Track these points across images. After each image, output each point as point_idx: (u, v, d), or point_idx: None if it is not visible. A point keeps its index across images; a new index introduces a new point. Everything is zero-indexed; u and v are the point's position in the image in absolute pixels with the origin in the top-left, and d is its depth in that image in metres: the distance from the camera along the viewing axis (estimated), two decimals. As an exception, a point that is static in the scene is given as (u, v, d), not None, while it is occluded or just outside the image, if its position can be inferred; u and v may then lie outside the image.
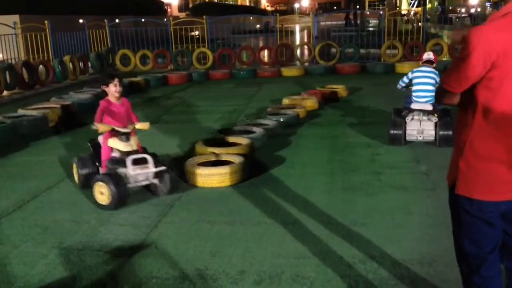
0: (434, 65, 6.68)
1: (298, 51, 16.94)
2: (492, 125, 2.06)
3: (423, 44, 15.85)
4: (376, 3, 70.59)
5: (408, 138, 6.39)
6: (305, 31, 29.16)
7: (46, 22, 15.64)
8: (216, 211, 4.53)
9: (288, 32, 20.53)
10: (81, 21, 18.15)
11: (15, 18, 17.01)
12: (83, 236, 4.09)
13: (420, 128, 6.31)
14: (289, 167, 5.78)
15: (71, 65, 14.49)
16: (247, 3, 74.91)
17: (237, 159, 5.34)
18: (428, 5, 39.85)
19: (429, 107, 6.30)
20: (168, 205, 4.69)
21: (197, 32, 19.12)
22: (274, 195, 4.84)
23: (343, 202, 4.63)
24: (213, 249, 3.76)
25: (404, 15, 32.02)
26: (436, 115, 6.24)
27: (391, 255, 3.52)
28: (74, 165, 5.25)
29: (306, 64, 16.20)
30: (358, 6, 53.48)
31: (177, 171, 5.22)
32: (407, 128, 6.36)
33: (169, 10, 50.85)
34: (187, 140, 6.98)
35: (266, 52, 17.24)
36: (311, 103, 9.00)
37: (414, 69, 6.69)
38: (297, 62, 16.59)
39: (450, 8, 39.80)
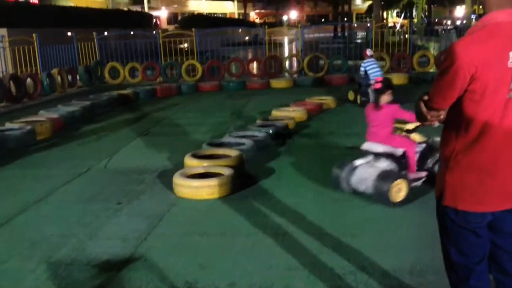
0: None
1: (287, 63, 17.05)
2: (476, 137, 2.08)
3: (410, 55, 16.03)
4: (364, 15, 71.43)
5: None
6: (294, 43, 29.36)
7: (34, 35, 15.60)
8: (205, 223, 4.51)
9: (277, 44, 20.66)
10: (69, 34, 18.13)
11: (3, 31, 16.97)
12: (71, 250, 4.04)
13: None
14: (278, 178, 5.79)
15: (59, 78, 14.45)
16: (236, 16, 75.30)
17: (226, 171, 5.33)
18: (415, 20, 40.36)
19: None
20: (157, 218, 4.66)
21: (186, 45, 19.19)
22: (263, 207, 4.83)
23: (333, 213, 4.64)
24: (202, 261, 3.74)
25: (391, 27, 32.38)
26: None
27: (381, 266, 3.53)
28: None
29: (295, 76, 16.30)
30: (346, 19, 54.02)
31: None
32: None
33: (158, 22, 50.97)
34: (176, 153, 6.97)
35: (255, 64, 17.33)
36: (300, 114, 9.04)
37: (365, 61, 10.08)
38: (286, 74, 16.68)
39: (436, 20, 40.31)
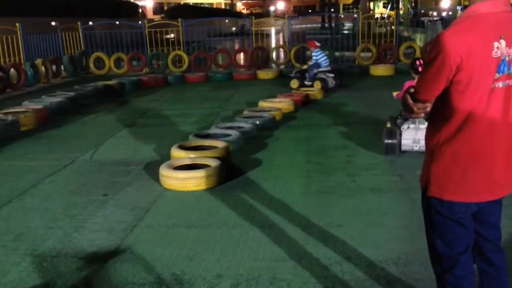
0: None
1: (274, 54, 17.01)
2: (460, 127, 2.10)
3: (396, 47, 16.09)
4: (351, 6, 71.43)
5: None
6: (281, 34, 29.29)
7: (17, 24, 15.35)
8: (192, 215, 4.50)
9: (263, 35, 20.59)
10: (53, 23, 17.87)
11: (-15, 20, 16.67)
12: (56, 242, 4.01)
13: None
14: (265, 170, 5.79)
15: (43, 68, 14.26)
16: (223, 6, 74.86)
17: (213, 163, 5.32)
18: (401, 11, 40.48)
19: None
20: (144, 209, 4.64)
21: (172, 35, 19.02)
22: (250, 198, 4.84)
23: (319, 204, 4.66)
24: (189, 253, 3.74)
25: (377, 18, 32.44)
26: None
27: (366, 256, 3.56)
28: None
29: (282, 66, 16.27)
30: (332, 10, 54.00)
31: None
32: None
33: (144, 12, 50.45)
34: (162, 144, 6.93)
35: (242, 55, 17.26)
36: (287, 105, 9.04)
37: (316, 51, 11.50)
38: (273, 65, 16.65)
39: (422, 11, 40.46)
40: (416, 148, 5.93)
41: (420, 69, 6.11)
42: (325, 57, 11.65)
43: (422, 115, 2.25)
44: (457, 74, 2.02)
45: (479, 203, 2.21)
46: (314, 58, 11.56)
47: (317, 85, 11.25)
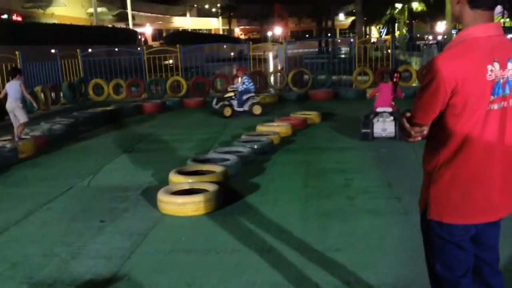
0: None
1: (272, 78, 17.13)
2: (457, 150, 2.11)
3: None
4: (347, 31, 72.33)
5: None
6: (278, 59, 29.54)
7: (17, 52, 15.50)
8: (190, 240, 4.48)
9: (261, 59, 20.79)
10: (53, 51, 18.05)
11: (-15, 49, 16.84)
12: (53, 270, 3.98)
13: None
14: (263, 194, 5.78)
15: (42, 95, 14.33)
16: (221, 32, 75.73)
17: (211, 187, 5.32)
18: (397, 32, 41.06)
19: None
20: (141, 235, 4.62)
21: (171, 61, 19.20)
22: (248, 223, 4.82)
23: (318, 228, 4.64)
24: (188, 279, 3.71)
25: (374, 42, 32.82)
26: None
27: (366, 281, 3.53)
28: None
29: (280, 91, 16.38)
30: (329, 34, 54.63)
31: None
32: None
33: (142, 39, 51.01)
34: (161, 169, 6.93)
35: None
36: (284, 129, 9.08)
37: (245, 77, 11.95)
38: (271, 89, 16.76)
39: (418, 35, 40.99)
40: (384, 135, 8.22)
41: (395, 80, 8.65)
42: (252, 83, 12.14)
43: (419, 138, 2.25)
44: (452, 98, 2.04)
45: (478, 225, 2.20)
46: (245, 84, 11.85)
47: (257, 110, 11.63)
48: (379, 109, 8.39)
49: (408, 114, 2.21)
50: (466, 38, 2.09)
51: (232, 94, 11.99)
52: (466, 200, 2.15)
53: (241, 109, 11.75)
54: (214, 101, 12.14)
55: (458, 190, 2.15)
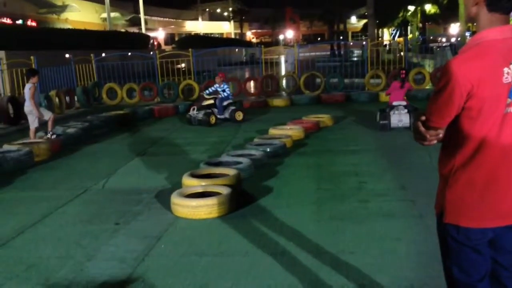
0: None
1: (284, 82, 17.14)
2: (474, 153, 2.09)
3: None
4: (359, 34, 72.11)
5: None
6: (288, 63, 29.57)
7: (32, 57, 15.70)
8: (204, 243, 4.49)
9: (273, 63, 20.82)
10: (67, 55, 18.25)
11: (1, 54, 17.12)
12: (69, 272, 4.02)
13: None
14: (276, 197, 5.78)
15: (57, 100, 14.49)
16: (233, 36, 75.97)
17: (224, 190, 5.33)
18: (410, 35, 40.87)
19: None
20: (155, 238, 4.64)
21: (183, 65, 19.31)
22: (262, 226, 4.82)
23: (331, 231, 4.63)
24: (201, 282, 3.72)
25: (386, 45, 32.68)
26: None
27: (380, 284, 3.51)
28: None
29: (292, 94, 16.38)
30: (341, 37, 54.52)
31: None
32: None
33: (155, 43, 51.36)
34: (174, 172, 6.96)
35: (251, 83, 17.42)
36: (297, 132, 9.08)
37: (223, 84, 11.75)
38: (283, 93, 16.76)
39: (431, 38, 40.71)
40: (400, 125, 9.36)
41: (402, 76, 10.13)
42: (228, 89, 12.01)
43: (435, 141, 2.23)
44: (468, 101, 2.02)
45: (495, 229, 2.18)
46: (227, 91, 11.79)
47: (239, 116, 11.50)
48: (394, 103, 9.54)
49: (423, 118, 2.20)
50: (481, 41, 2.07)
51: (211, 101, 11.55)
52: (483, 204, 2.13)
53: (222, 116, 11.53)
54: (194, 110, 11.58)
55: (475, 194, 2.13)
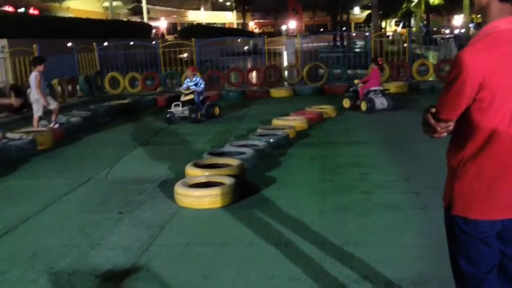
0: None
1: (286, 72, 17.09)
2: (483, 145, 2.08)
3: (409, 64, 16.09)
4: (362, 25, 71.76)
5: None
6: (287, 53, 29.45)
7: (34, 46, 15.65)
8: (207, 233, 4.50)
9: (276, 53, 20.72)
10: (69, 44, 18.19)
11: (3, 42, 17.05)
12: (73, 260, 4.03)
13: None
14: (280, 187, 5.78)
15: (59, 88, 14.46)
16: (235, 26, 75.64)
17: (227, 181, 5.33)
18: (413, 29, 40.65)
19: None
20: (159, 227, 4.65)
21: (185, 55, 19.24)
22: (265, 216, 4.83)
23: (335, 222, 4.63)
24: (205, 271, 3.73)
25: (389, 36, 32.54)
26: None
27: (384, 275, 3.51)
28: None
29: (294, 85, 16.32)
30: (344, 28, 54.23)
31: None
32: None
33: (160, 32, 51.16)
34: (177, 162, 6.96)
35: (254, 73, 17.36)
36: (300, 123, 9.06)
37: (197, 77, 11.15)
38: (286, 83, 16.71)
39: (435, 29, 40.52)
40: (381, 107, 10.70)
41: (380, 62, 11.74)
42: (203, 83, 11.18)
43: (445, 134, 2.21)
44: (479, 92, 2.00)
45: (504, 221, 2.17)
46: (201, 86, 10.98)
47: (216, 111, 11.19)
48: (375, 88, 10.92)
49: (433, 110, 2.17)
50: (492, 32, 2.04)
51: (192, 96, 10.72)
52: (492, 196, 2.11)
53: (203, 112, 10.85)
54: (178, 107, 10.75)
55: (484, 186, 2.11)
